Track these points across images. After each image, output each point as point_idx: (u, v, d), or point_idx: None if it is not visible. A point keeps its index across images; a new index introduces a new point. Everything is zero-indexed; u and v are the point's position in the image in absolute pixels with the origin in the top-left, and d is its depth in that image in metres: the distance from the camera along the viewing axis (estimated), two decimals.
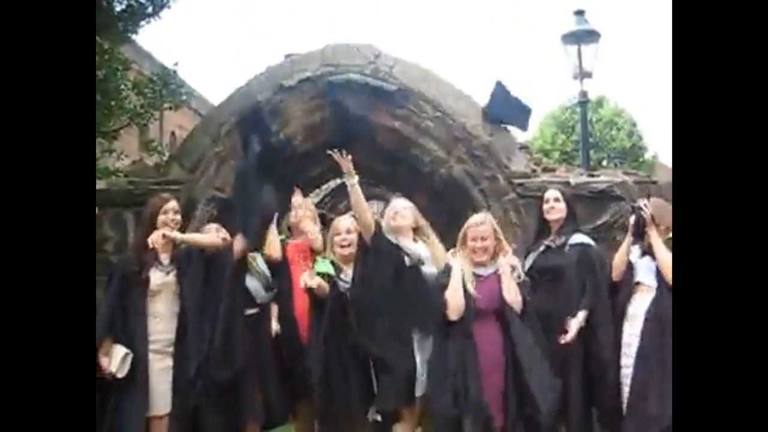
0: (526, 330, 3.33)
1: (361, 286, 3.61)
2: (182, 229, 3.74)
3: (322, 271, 3.73)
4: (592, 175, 5.12)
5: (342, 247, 3.76)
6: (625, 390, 3.37)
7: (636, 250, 3.55)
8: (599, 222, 4.65)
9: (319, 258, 3.84)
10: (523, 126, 3.42)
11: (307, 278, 3.61)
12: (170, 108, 8.36)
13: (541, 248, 3.72)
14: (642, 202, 3.56)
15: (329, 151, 3.75)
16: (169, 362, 3.45)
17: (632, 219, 3.53)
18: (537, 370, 3.24)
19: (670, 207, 3.60)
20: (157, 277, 3.48)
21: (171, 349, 3.47)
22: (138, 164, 5.60)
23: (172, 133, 17.01)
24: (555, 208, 3.71)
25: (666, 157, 19.70)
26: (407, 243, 3.66)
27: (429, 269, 3.62)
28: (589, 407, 3.54)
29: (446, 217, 5.26)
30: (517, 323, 3.33)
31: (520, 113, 3.43)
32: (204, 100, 15.98)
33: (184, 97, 8.43)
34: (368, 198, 4.05)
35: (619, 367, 3.44)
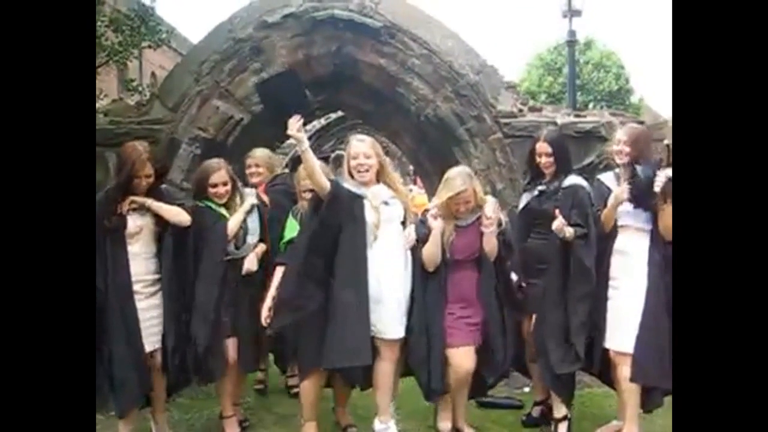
0: (500, 274, 3.59)
1: (311, 248, 3.41)
2: (165, 169, 3.71)
3: (292, 236, 3.64)
4: (579, 116, 5.10)
5: (307, 200, 3.69)
6: (626, 322, 3.40)
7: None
8: (585, 162, 4.65)
9: (290, 218, 3.73)
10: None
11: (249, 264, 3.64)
12: (150, 47, 8.14)
13: (536, 192, 3.77)
14: (663, 173, 3.31)
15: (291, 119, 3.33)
16: (150, 301, 3.47)
17: (629, 186, 3.35)
18: (497, 319, 3.54)
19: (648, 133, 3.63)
20: (134, 219, 3.45)
21: (152, 289, 3.48)
22: (118, 103, 5.47)
23: (153, 74, 16.64)
24: (545, 163, 3.71)
25: (652, 101, 19.67)
26: (369, 190, 3.50)
27: (395, 210, 3.54)
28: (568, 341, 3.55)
29: (432, 156, 5.25)
30: (489, 268, 3.55)
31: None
32: (185, 40, 15.57)
33: (164, 36, 8.21)
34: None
35: (606, 299, 3.50)
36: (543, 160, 3.71)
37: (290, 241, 3.65)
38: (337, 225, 3.40)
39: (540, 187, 3.75)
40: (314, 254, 3.39)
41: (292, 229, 3.68)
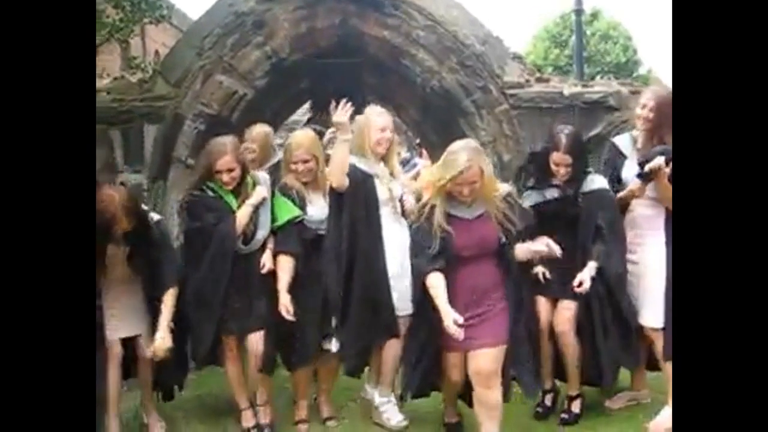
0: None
1: (341, 235, 3.36)
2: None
3: (290, 217, 3.42)
4: (586, 86, 5.03)
5: (299, 173, 3.51)
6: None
7: (632, 168, 3.47)
8: (592, 134, 4.59)
9: (279, 197, 3.47)
10: None
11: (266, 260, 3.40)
12: (151, 23, 8.07)
13: (548, 197, 3.49)
14: (657, 160, 3.22)
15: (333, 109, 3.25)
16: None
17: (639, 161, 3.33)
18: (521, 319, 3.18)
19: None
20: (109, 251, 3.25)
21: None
22: (121, 81, 5.42)
23: (156, 52, 16.51)
24: (563, 172, 3.42)
25: (661, 72, 19.44)
26: (379, 167, 3.47)
27: (398, 186, 3.54)
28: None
29: (437, 128, 5.20)
30: (514, 264, 3.15)
31: None
32: (185, 17, 15.42)
33: (165, 12, 8.14)
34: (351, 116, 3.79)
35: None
36: (561, 170, 3.41)
37: (288, 222, 3.42)
38: (357, 209, 3.38)
39: (554, 194, 3.47)
40: (351, 250, 3.36)
41: (286, 210, 3.43)
